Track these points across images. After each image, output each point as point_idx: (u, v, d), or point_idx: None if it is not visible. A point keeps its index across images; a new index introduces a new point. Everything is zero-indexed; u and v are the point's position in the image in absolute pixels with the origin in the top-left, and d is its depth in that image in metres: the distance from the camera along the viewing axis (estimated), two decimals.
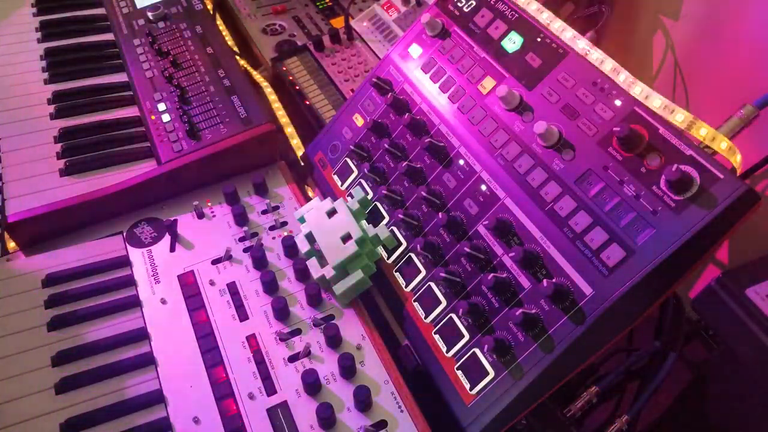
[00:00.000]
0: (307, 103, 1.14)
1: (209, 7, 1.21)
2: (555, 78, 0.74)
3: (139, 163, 0.94)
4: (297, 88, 1.17)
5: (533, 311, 0.66)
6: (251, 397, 0.71)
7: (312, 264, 0.81)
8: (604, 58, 0.72)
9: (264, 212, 0.91)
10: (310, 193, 0.98)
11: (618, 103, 0.69)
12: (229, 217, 0.90)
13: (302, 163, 1.01)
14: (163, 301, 0.81)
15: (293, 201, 0.93)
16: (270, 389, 0.72)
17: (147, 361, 0.75)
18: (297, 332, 0.77)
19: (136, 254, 0.86)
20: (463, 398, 0.69)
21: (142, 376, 0.73)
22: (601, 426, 0.76)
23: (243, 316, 0.79)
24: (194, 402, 0.71)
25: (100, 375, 0.73)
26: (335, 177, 0.92)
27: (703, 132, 0.65)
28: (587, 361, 0.66)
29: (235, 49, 1.28)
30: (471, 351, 0.70)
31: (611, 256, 0.63)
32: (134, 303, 0.80)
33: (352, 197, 0.85)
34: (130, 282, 0.83)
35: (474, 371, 0.69)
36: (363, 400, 0.69)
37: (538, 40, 0.78)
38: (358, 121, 0.92)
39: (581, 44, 0.74)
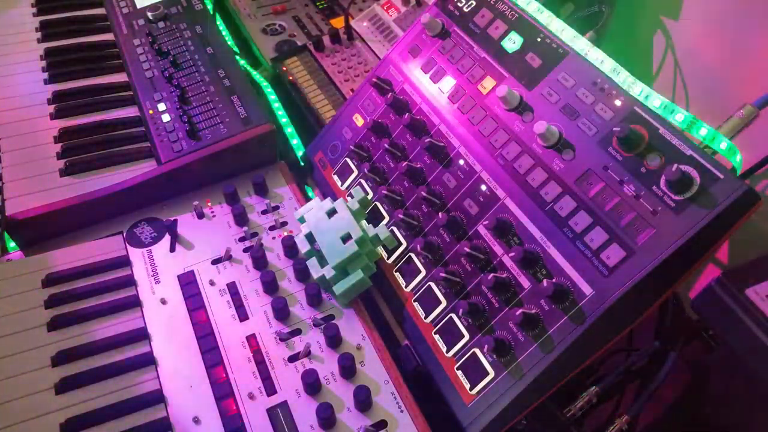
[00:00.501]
0: (307, 103, 1.14)
1: (209, 7, 1.21)
2: (555, 78, 0.74)
3: (139, 163, 0.94)
4: (297, 88, 1.17)
5: (533, 311, 0.66)
6: (251, 397, 0.71)
7: (312, 264, 0.81)
8: (604, 58, 0.72)
9: (264, 212, 0.91)
10: (311, 193, 0.98)
11: (618, 103, 0.69)
12: (229, 217, 0.90)
13: (302, 163, 1.01)
14: (163, 301, 0.81)
15: (293, 201, 0.93)
16: (270, 389, 0.72)
17: (147, 361, 0.75)
18: (297, 332, 0.77)
19: (136, 254, 0.86)
20: (463, 398, 0.69)
21: (142, 376, 0.73)
22: (601, 426, 0.76)
23: (243, 316, 0.79)
24: (194, 402, 0.71)
25: (100, 375, 0.73)
26: (335, 177, 0.92)
27: (703, 132, 0.65)
28: (587, 361, 0.66)
29: (235, 49, 1.28)
30: (471, 351, 0.70)
31: (611, 256, 0.63)
32: (134, 303, 0.80)
33: (352, 197, 0.85)
34: (130, 282, 0.83)
35: (474, 371, 0.69)
36: (363, 400, 0.69)
37: (538, 40, 0.78)
38: (358, 121, 0.92)
39: (581, 44, 0.74)
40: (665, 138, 0.64)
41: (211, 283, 0.82)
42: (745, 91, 0.92)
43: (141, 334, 0.77)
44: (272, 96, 1.14)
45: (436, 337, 0.74)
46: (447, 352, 0.72)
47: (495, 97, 0.77)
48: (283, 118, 1.09)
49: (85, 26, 1.23)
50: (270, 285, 0.80)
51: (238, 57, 1.14)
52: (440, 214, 0.76)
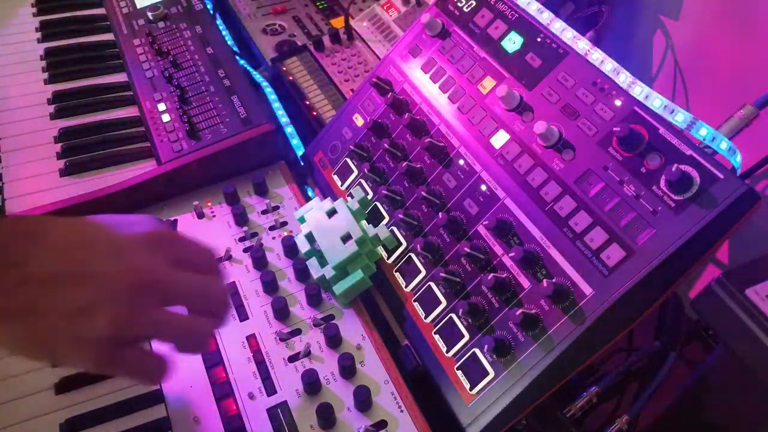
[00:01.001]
0: (307, 103, 1.14)
1: (209, 7, 1.21)
2: (555, 78, 0.74)
3: (139, 163, 0.94)
4: (297, 88, 1.17)
5: (533, 311, 0.66)
6: (251, 397, 0.71)
7: (312, 264, 0.81)
8: (604, 58, 0.72)
9: (264, 212, 0.91)
10: (311, 193, 0.98)
11: (618, 103, 0.69)
12: (229, 217, 0.90)
13: (302, 163, 1.01)
14: None
15: (293, 201, 0.93)
16: (270, 389, 0.72)
17: None
18: (297, 332, 0.77)
19: None
20: (463, 398, 0.69)
21: None
22: (601, 426, 0.76)
23: (243, 316, 0.79)
24: (194, 402, 0.71)
25: (100, 375, 0.73)
26: (335, 177, 0.92)
27: (703, 132, 0.65)
28: (587, 361, 0.66)
29: (235, 49, 1.28)
30: (471, 351, 0.70)
31: (611, 256, 0.63)
32: None
33: (352, 197, 0.85)
34: None
35: (474, 371, 0.69)
36: (363, 400, 0.69)
37: (538, 40, 0.78)
38: (358, 121, 0.92)
39: (581, 44, 0.74)
40: (665, 138, 0.64)
41: None
42: (745, 91, 0.92)
43: None
44: (272, 96, 1.14)
45: (436, 337, 0.74)
46: (447, 352, 0.72)
47: (495, 97, 0.77)
48: (283, 118, 1.09)
49: (85, 26, 1.23)
50: (270, 285, 0.80)
51: (238, 57, 1.14)
52: (440, 214, 0.76)
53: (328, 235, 0.80)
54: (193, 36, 1.12)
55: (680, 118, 0.65)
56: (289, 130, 1.07)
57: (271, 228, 0.89)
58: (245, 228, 0.89)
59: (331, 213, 0.82)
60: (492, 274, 0.69)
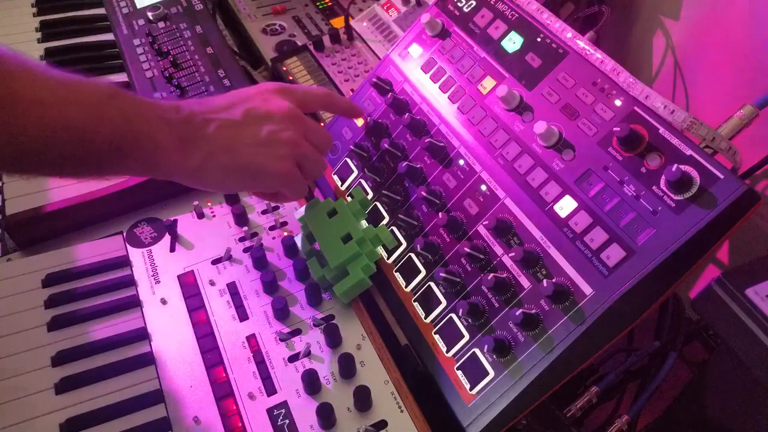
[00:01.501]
0: None
1: (209, 7, 1.21)
2: (555, 78, 0.74)
3: None
4: None
5: (533, 311, 0.66)
6: (251, 397, 0.71)
7: (312, 264, 0.81)
8: (604, 58, 0.72)
9: (264, 212, 0.91)
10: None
11: (618, 103, 0.69)
12: (229, 217, 0.90)
13: None
14: (163, 301, 0.81)
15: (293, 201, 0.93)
16: (270, 389, 0.72)
17: (147, 361, 0.75)
18: (297, 332, 0.77)
19: (136, 254, 0.86)
20: (463, 398, 0.69)
21: (141, 376, 0.73)
22: (601, 426, 0.76)
23: (243, 316, 0.79)
24: (194, 402, 0.71)
25: (100, 375, 0.73)
26: (335, 177, 0.92)
27: (703, 132, 0.64)
28: (587, 361, 0.66)
29: (235, 49, 1.28)
30: (471, 351, 0.70)
31: (611, 256, 0.63)
32: (134, 303, 0.80)
33: (352, 197, 0.85)
34: (130, 282, 0.83)
35: (474, 371, 0.69)
36: (363, 400, 0.69)
37: (538, 40, 0.78)
38: (358, 121, 0.92)
39: (581, 44, 0.74)
40: (665, 138, 0.64)
41: (211, 283, 0.82)
42: (745, 91, 0.92)
43: (141, 334, 0.77)
44: None
45: (436, 337, 0.74)
46: (447, 352, 0.72)
47: (495, 97, 0.77)
48: None
49: (85, 26, 1.23)
50: (270, 285, 0.80)
51: (238, 57, 1.14)
52: (440, 214, 0.76)
53: (328, 235, 0.80)
54: (193, 36, 1.12)
55: (680, 118, 0.65)
56: None
57: (271, 228, 0.89)
58: (245, 228, 0.89)
59: (331, 213, 0.82)
60: (492, 274, 0.69)
